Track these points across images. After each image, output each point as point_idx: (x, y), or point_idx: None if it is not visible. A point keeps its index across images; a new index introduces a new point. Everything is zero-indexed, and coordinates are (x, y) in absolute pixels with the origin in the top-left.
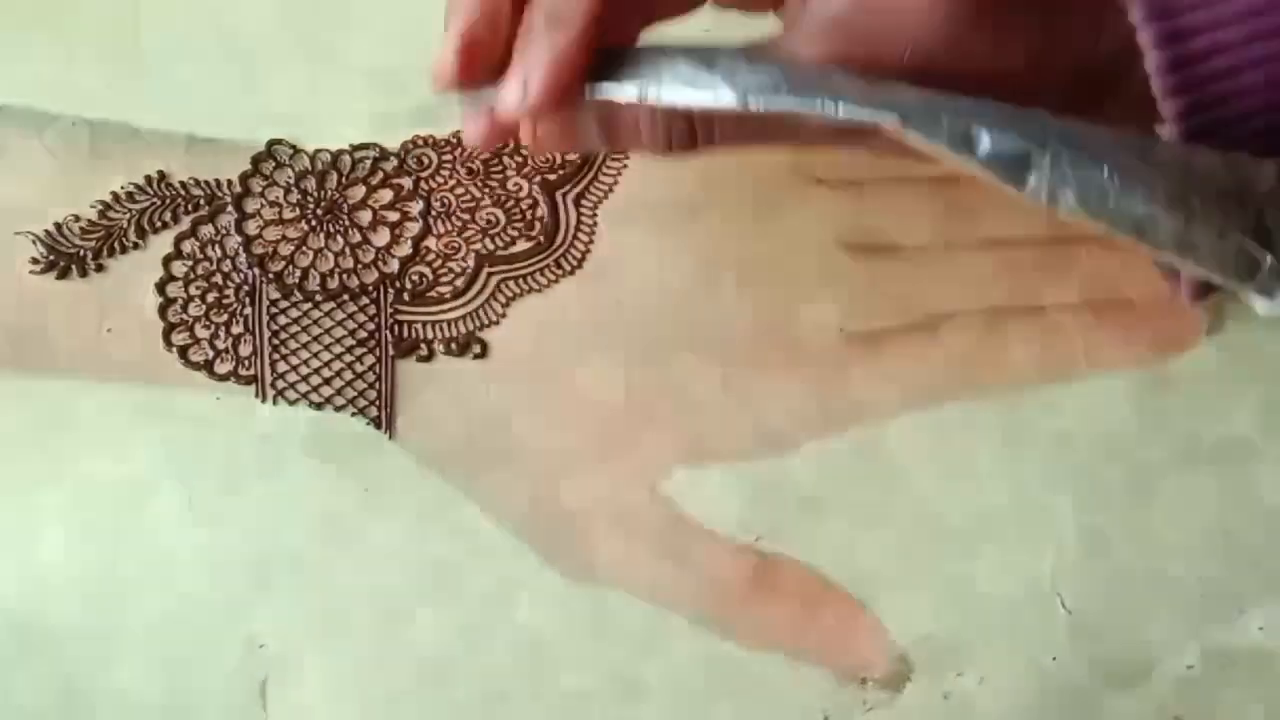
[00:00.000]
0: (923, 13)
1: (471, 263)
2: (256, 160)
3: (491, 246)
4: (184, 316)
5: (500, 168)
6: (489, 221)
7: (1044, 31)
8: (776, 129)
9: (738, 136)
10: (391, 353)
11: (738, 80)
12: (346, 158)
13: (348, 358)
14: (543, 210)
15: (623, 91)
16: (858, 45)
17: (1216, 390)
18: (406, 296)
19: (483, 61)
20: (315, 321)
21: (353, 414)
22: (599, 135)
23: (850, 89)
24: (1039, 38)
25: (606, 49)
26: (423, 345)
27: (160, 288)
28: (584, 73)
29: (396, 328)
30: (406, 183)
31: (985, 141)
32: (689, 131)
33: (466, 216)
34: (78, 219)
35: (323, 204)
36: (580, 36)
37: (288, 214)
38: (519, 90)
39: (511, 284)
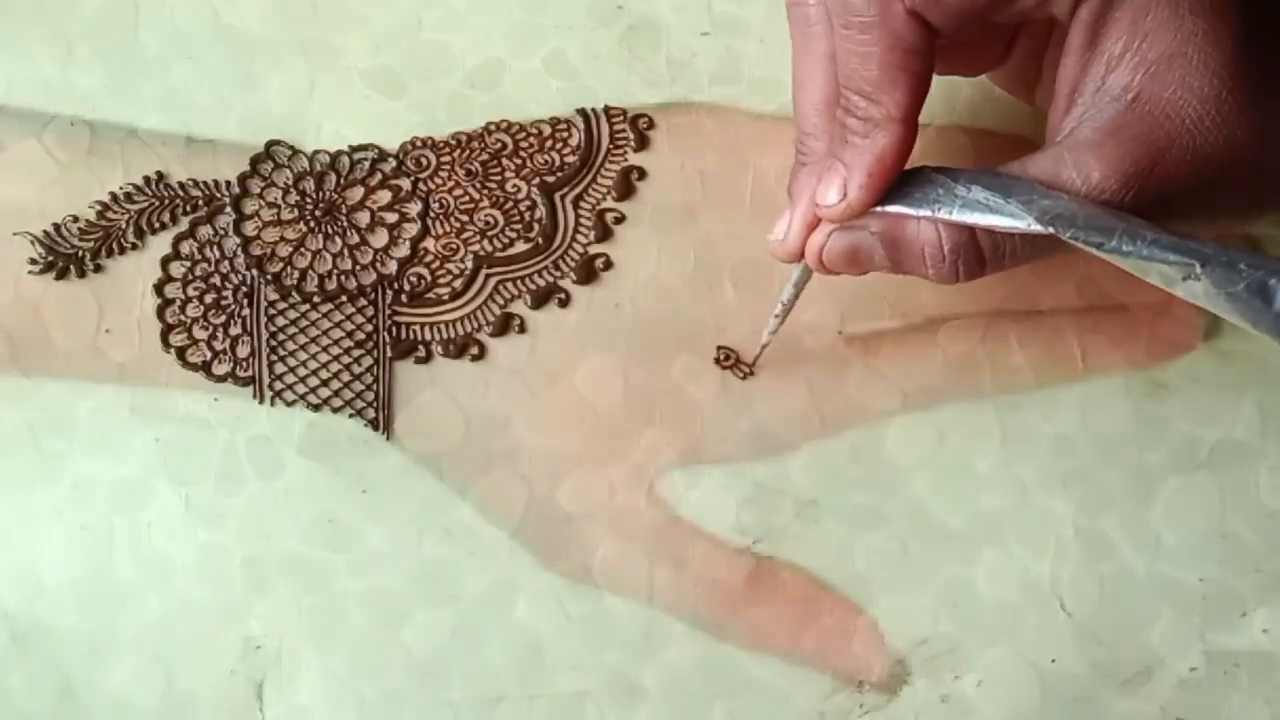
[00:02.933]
0: (1200, 115)
1: (470, 264)
2: (255, 161)
3: (490, 248)
4: (182, 317)
5: (499, 169)
6: (487, 223)
7: None
8: (1055, 250)
9: (1025, 256)
10: (389, 354)
11: (1034, 206)
12: (345, 159)
13: (345, 359)
14: (541, 212)
15: (916, 210)
16: (1143, 157)
17: (1215, 394)
18: (404, 298)
19: None
20: (313, 323)
21: (350, 415)
22: (883, 259)
23: (1145, 230)
24: None
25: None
26: (421, 346)
27: (158, 289)
28: (896, 178)
29: (394, 329)
30: (405, 184)
31: None
32: (979, 260)
33: (465, 218)
34: (76, 219)
35: (321, 205)
36: (897, 140)
37: (286, 215)
38: (840, 190)
39: (510, 285)
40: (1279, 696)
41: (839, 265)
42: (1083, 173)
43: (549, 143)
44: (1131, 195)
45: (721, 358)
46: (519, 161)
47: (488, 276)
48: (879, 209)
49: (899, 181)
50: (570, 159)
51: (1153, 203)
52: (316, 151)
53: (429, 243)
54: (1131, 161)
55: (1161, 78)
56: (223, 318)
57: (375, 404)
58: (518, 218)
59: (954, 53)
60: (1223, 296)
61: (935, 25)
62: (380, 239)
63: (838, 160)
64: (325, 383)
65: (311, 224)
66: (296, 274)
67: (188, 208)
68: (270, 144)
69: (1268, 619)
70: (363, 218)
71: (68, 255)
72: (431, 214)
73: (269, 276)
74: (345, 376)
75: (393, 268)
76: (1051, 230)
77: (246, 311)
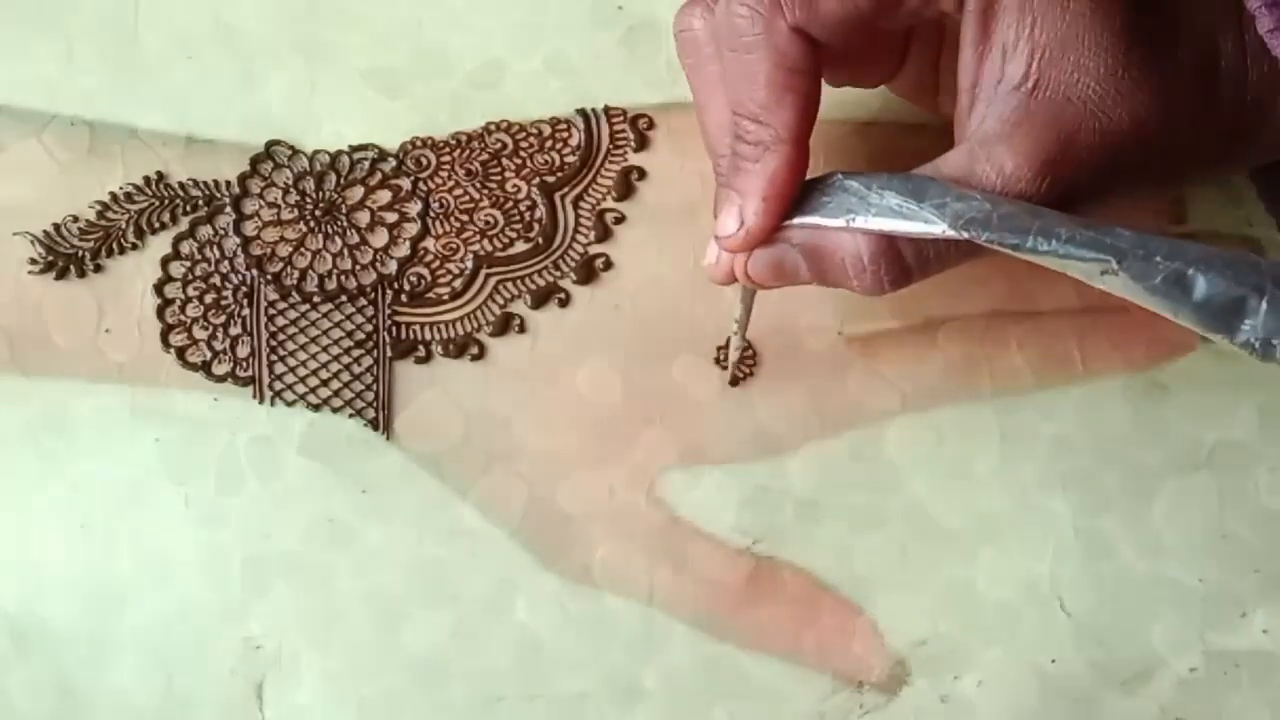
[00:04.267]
0: (1102, 94)
1: (470, 264)
2: (255, 161)
3: (490, 248)
4: (182, 317)
5: (499, 169)
6: (487, 223)
7: (1197, 100)
8: (980, 248)
9: (953, 259)
10: (389, 354)
11: (947, 210)
12: (345, 158)
13: (345, 359)
14: (541, 212)
15: (830, 221)
16: (1053, 143)
17: (1214, 395)
18: (404, 298)
19: None
20: (313, 323)
21: (350, 415)
22: (808, 273)
23: (1060, 227)
24: (1195, 105)
25: (808, 180)
26: (421, 346)
27: (158, 289)
28: (794, 196)
29: (394, 329)
30: (405, 184)
31: (1200, 285)
32: (903, 272)
33: (465, 218)
34: (76, 219)
35: (321, 205)
36: (787, 161)
37: (286, 215)
38: (736, 220)
39: (510, 285)
40: (1279, 697)
41: (766, 280)
42: (996, 165)
43: (549, 143)
44: (1047, 183)
45: (721, 358)
46: (519, 161)
47: (488, 276)
48: (795, 221)
49: (813, 192)
50: (570, 159)
51: (1070, 187)
52: (316, 151)
53: (429, 242)
54: (1042, 149)
55: (1057, 62)
56: (223, 318)
57: (375, 404)
58: (518, 218)
59: (846, 64)
60: (1142, 289)
61: (820, 40)
62: (380, 239)
63: (730, 189)
64: (325, 383)
65: (311, 224)
66: (296, 274)
67: (188, 207)
68: (270, 144)
69: (1267, 619)
70: (363, 217)
71: (68, 255)
72: (431, 214)
73: (269, 276)
74: (345, 376)
75: (393, 267)
76: (965, 235)
77: (246, 311)
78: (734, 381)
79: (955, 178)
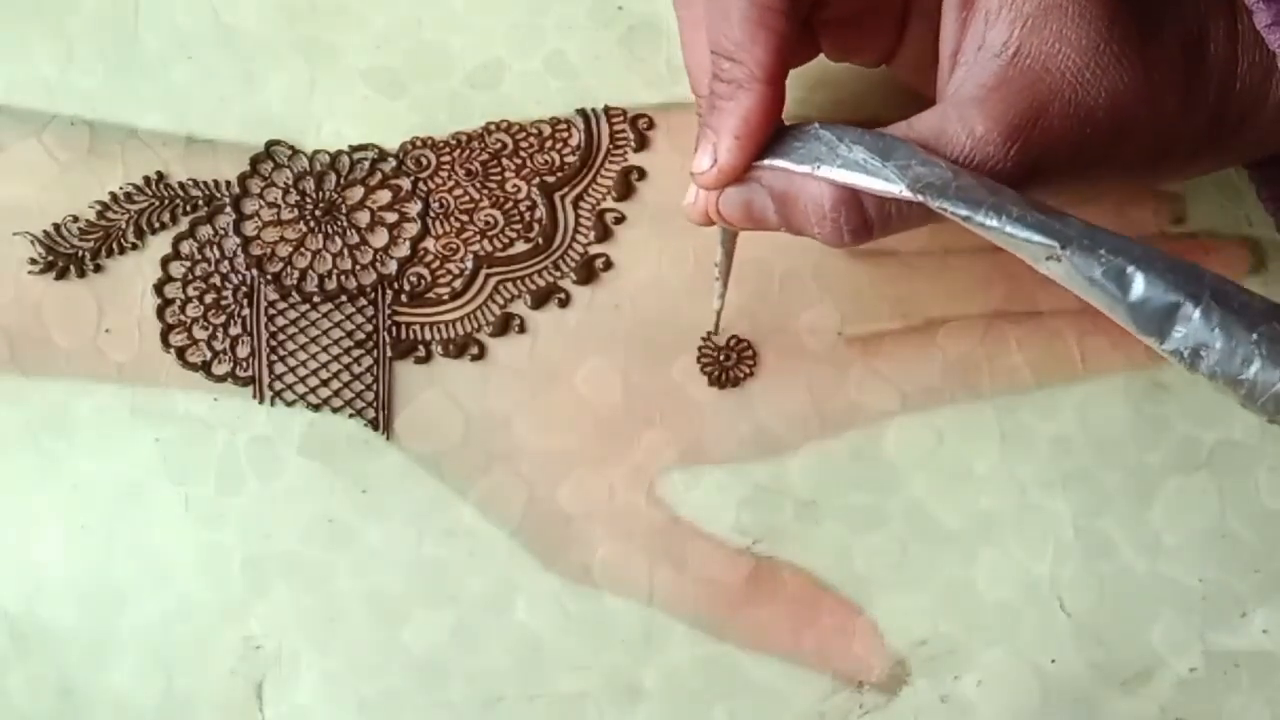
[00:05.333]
0: (1080, 66)
1: (470, 264)
2: (255, 161)
3: (490, 248)
4: (182, 317)
5: (499, 169)
6: (487, 223)
7: (1184, 83)
8: (934, 213)
9: (913, 219)
10: (389, 354)
11: (909, 173)
12: (345, 158)
13: (345, 359)
14: (541, 212)
15: (797, 166)
16: (1025, 110)
17: (1214, 395)
18: (404, 298)
19: None
20: (313, 323)
21: (350, 415)
22: (776, 217)
23: (1013, 206)
24: (1181, 89)
25: (783, 126)
26: (421, 346)
27: (158, 288)
28: (768, 137)
29: (394, 329)
30: (405, 184)
31: (1139, 284)
32: (864, 225)
33: (465, 218)
34: (76, 219)
35: (321, 205)
36: (761, 99)
37: (286, 215)
38: (710, 157)
39: (510, 285)
40: (1279, 697)
41: (737, 219)
42: (967, 127)
43: (549, 143)
44: (1016, 149)
45: (703, 356)
46: (519, 161)
47: (488, 276)
48: (763, 162)
49: (787, 136)
50: (570, 159)
51: (1039, 157)
52: (316, 151)
53: (429, 243)
54: (1015, 114)
55: (1039, 31)
56: (222, 318)
57: (375, 404)
58: (518, 218)
59: (845, 34)
60: (1082, 280)
61: None
62: (380, 239)
63: (706, 127)
64: (325, 383)
65: (311, 224)
66: (296, 274)
67: (188, 207)
68: (270, 144)
69: (1267, 619)
70: (363, 217)
71: (68, 255)
72: (431, 214)
73: (269, 276)
74: (345, 376)
75: (393, 267)
76: (921, 199)
77: (246, 311)
78: (715, 334)
79: (926, 138)
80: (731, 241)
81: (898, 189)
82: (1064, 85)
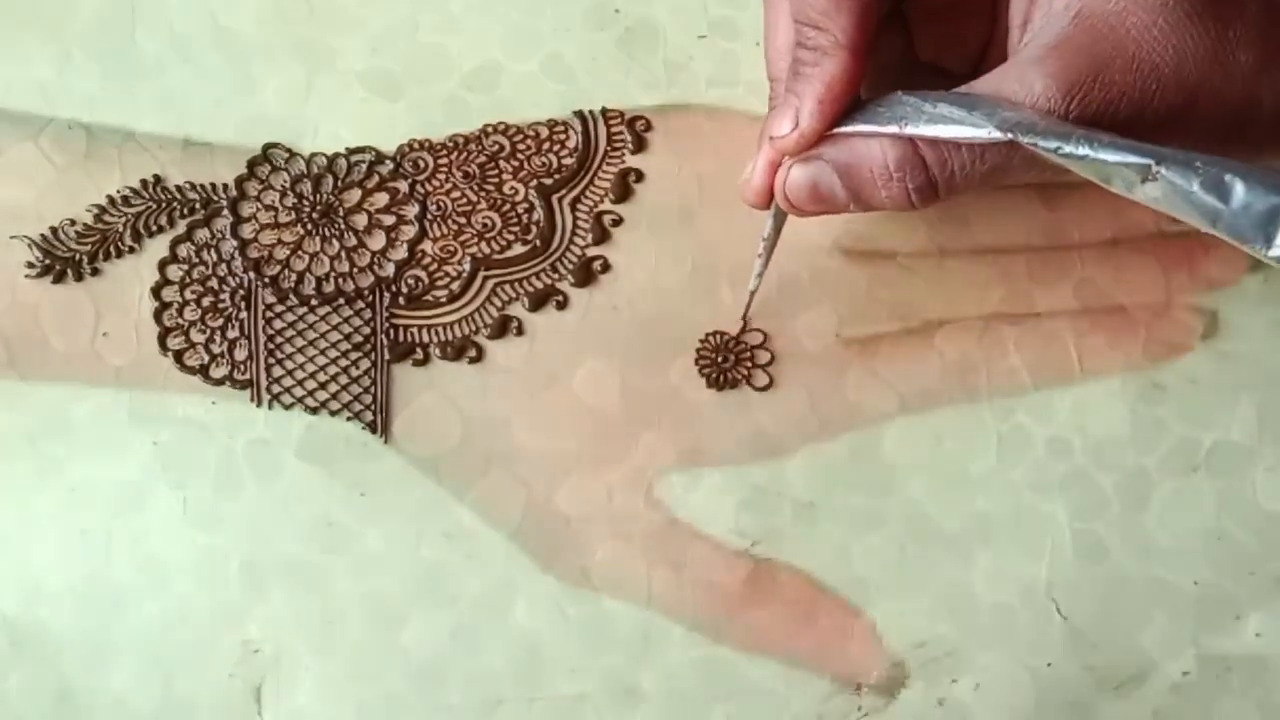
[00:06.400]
0: (1146, 24)
1: (467, 266)
2: (252, 164)
3: (487, 250)
4: (179, 321)
5: (496, 172)
6: (485, 225)
7: (1264, 43)
8: (1006, 172)
9: (977, 175)
10: (387, 356)
11: (995, 117)
12: (342, 161)
13: (343, 362)
14: (539, 214)
15: (882, 127)
16: (1085, 67)
17: (1212, 396)
18: (402, 300)
19: None
20: (311, 326)
21: (348, 418)
22: (843, 192)
23: (1103, 134)
24: (1260, 49)
25: (869, 99)
26: (418, 349)
27: (156, 292)
28: (848, 105)
29: (392, 331)
30: (402, 186)
31: (1239, 191)
32: (929, 184)
33: (462, 220)
34: (73, 223)
35: (318, 208)
36: (844, 67)
37: (283, 218)
38: (791, 120)
39: (507, 288)
40: (1271, 700)
41: (802, 199)
42: (1026, 84)
43: (546, 145)
44: (1075, 104)
45: (702, 359)
46: (516, 164)
47: (485, 279)
48: (843, 129)
49: (870, 104)
50: (568, 161)
51: (1099, 115)
52: (313, 154)
53: (426, 245)
54: (1074, 71)
55: None
56: (220, 321)
57: (373, 407)
58: (515, 220)
59: (936, 26)
60: (1179, 198)
61: None
62: (378, 241)
63: (790, 93)
64: (323, 385)
65: (309, 226)
66: (294, 277)
67: (185, 211)
68: (267, 147)
69: (1261, 622)
70: (360, 220)
71: (65, 259)
72: (429, 216)
73: (266, 279)
74: (343, 379)
75: (390, 270)
76: (1011, 137)
77: (244, 314)
78: (745, 322)
79: (986, 96)
80: (782, 219)
81: (985, 131)
82: (1128, 42)
